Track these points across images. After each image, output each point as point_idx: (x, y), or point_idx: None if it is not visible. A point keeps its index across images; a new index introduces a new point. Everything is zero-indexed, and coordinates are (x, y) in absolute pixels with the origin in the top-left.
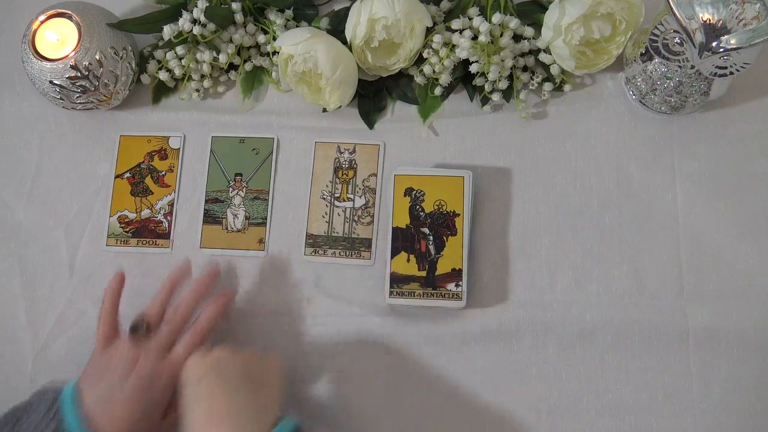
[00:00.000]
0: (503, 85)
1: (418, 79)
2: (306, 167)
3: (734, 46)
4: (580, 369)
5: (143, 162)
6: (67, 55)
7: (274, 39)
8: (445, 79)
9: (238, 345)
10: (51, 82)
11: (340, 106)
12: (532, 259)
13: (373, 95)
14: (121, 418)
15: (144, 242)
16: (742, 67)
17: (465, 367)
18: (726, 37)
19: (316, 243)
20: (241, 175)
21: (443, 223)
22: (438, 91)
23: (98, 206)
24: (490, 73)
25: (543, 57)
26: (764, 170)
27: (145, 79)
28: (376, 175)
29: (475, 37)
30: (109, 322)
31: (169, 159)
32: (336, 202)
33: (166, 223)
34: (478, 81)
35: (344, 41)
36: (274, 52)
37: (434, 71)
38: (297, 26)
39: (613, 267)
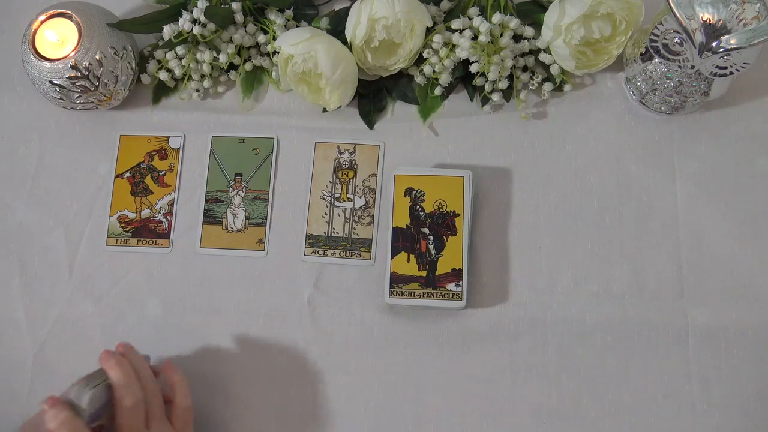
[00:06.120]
0: (503, 85)
1: (418, 79)
2: (306, 167)
3: (734, 46)
4: (580, 369)
5: (143, 162)
6: (67, 55)
7: (274, 39)
8: (445, 79)
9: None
10: (51, 82)
11: (340, 106)
12: (532, 259)
13: (373, 95)
14: None
15: (144, 242)
16: (742, 67)
17: (465, 367)
18: (726, 37)
19: (316, 243)
20: (241, 175)
21: (443, 223)
22: (438, 91)
23: (98, 206)
24: (490, 73)
25: (543, 57)
26: (764, 170)
27: (145, 79)
28: (376, 176)
29: (475, 37)
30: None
31: (169, 159)
32: (336, 203)
33: (166, 222)
34: (478, 81)
35: (344, 41)
36: (274, 52)
37: (434, 71)
38: (297, 26)
39: (613, 267)
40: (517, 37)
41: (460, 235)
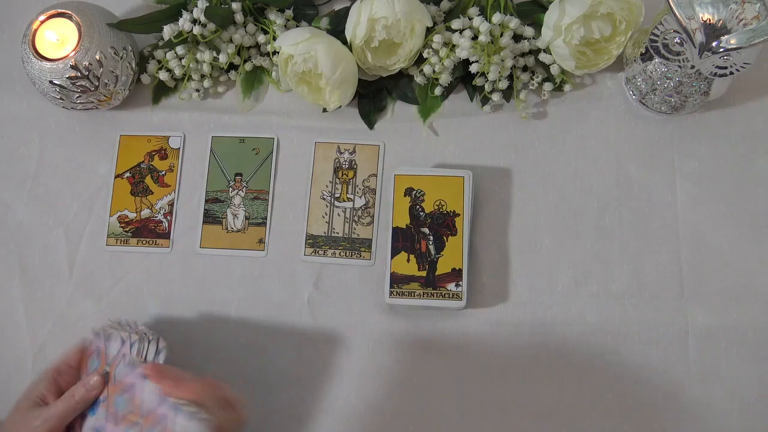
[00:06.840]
0: (503, 85)
1: (418, 79)
2: (306, 167)
3: (734, 46)
4: (580, 369)
5: (143, 162)
6: (67, 55)
7: (274, 39)
8: (445, 79)
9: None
10: (51, 82)
11: (340, 106)
12: (532, 259)
13: (373, 95)
14: None
15: (144, 242)
16: (742, 67)
17: (465, 367)
18: (726, 37)
19: (316, 243)
20: (241, 175)
21: (443, 223)
22: (438, 91)
23: (98, 206)
24: (490, 73)
25: (543, 57)
26: (764, 170)
27: (145, 79)
28: (376, 176)
29: (475, 37)
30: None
31: (169, 159)
32: (336, 203)
33: (166, 222)
34: (478, 81)
35: (344, 41)
36: (274, 52)
37: (434, 71)
38: (297, 26)
39: (613, 267)
40: (517, 37)
41: (460, 235)
